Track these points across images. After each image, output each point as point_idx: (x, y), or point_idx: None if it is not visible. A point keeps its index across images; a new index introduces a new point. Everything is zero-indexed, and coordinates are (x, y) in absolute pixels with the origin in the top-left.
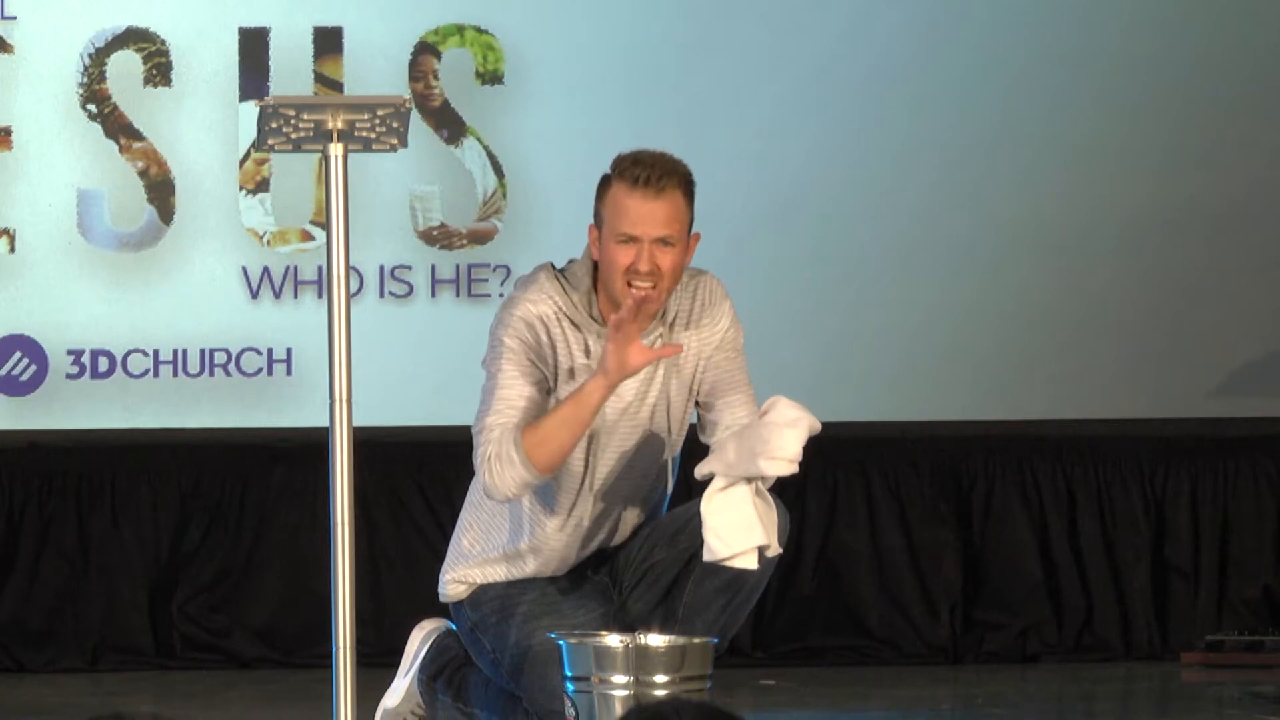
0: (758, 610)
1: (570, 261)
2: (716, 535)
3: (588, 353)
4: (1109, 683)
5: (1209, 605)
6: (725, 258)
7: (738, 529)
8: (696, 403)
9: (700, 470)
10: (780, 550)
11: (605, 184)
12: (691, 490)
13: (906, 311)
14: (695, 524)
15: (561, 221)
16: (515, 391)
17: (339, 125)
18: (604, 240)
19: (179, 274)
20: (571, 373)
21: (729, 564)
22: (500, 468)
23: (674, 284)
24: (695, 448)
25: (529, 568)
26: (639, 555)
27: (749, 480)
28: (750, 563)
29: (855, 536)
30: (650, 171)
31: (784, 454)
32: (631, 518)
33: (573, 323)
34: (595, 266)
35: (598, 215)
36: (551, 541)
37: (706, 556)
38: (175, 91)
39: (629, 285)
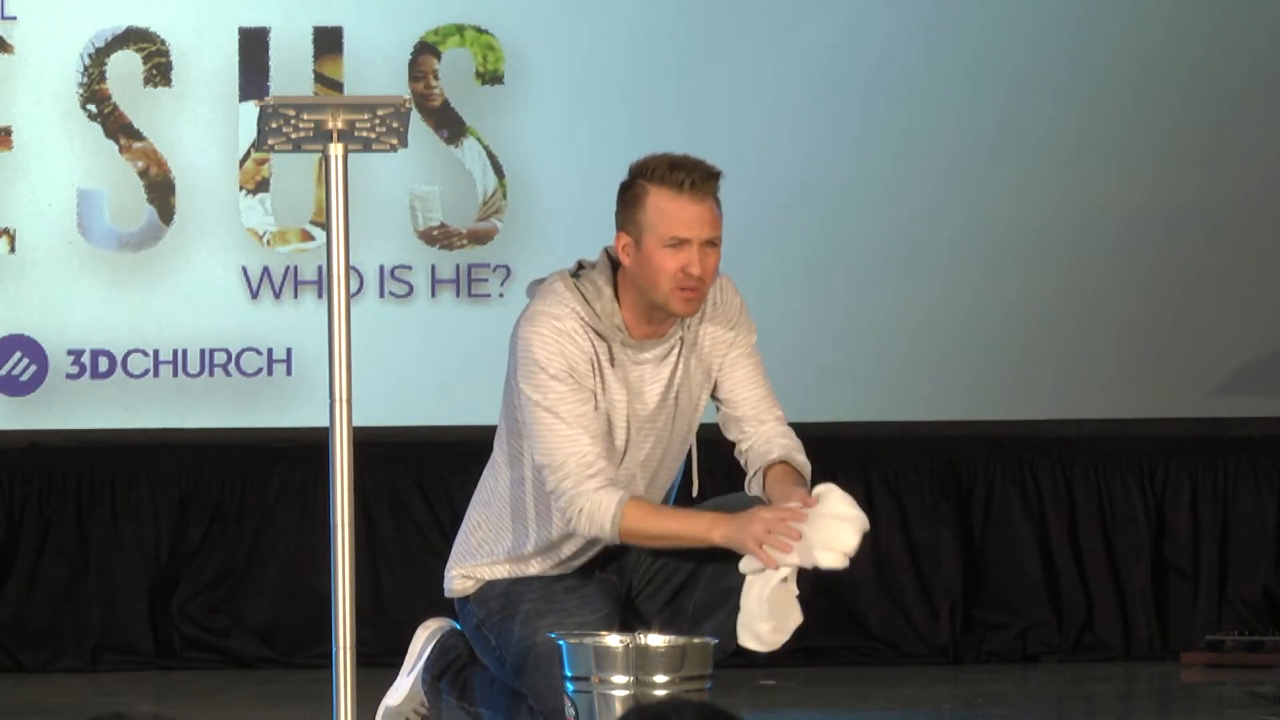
0: None
1: (581, 268)
2: (756, 637)
3: (613, 362)
4: (1109, 683)
5: (1209, 605)
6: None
7: (772, 632)
8: (714, 397)
9: (746, 565)
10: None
11: (639, 191)
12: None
13: (906, 311)
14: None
15: (561, 221)
16: (574, 416)
17: (339, 125)
18: (647, 247)
19: (179, 274)
20: (599, 384)
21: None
22: (588, 524)
23: (711, 285)
24: (701, 447)
25: (536, 568)
26: (648, 556)
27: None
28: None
29: None
30: (694, 175)
31: (841, 547)
32: None
33: (597, 333)
34: (615, 274)
35: (634, 223)
36: (563, 545)
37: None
38: (175, 91)
39: (679, 289)
